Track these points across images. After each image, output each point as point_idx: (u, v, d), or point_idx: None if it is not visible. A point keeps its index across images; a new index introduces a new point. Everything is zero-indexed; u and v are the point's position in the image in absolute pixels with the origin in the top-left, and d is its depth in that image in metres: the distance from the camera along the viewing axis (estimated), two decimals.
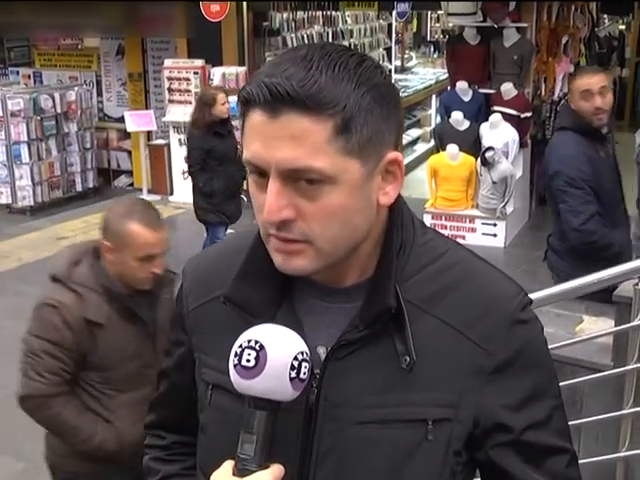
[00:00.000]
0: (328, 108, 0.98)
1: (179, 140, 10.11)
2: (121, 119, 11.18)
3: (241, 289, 1.15)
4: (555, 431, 1.15)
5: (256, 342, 1.03)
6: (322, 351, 1.12)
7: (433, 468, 1.11)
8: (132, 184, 11.73)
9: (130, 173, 11.92)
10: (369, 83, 1.02)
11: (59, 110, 10.82)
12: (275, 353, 1.02)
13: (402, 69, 16.22)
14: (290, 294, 1.16)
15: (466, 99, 8.65)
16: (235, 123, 7.27)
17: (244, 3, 10.19)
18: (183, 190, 10.15)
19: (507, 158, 7.95)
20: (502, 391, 1.11)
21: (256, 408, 1.04)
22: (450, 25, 11.68)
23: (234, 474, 1.03)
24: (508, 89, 8.33)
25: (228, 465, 1.05)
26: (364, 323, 1.09)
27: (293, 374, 1.02)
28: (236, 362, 1.03)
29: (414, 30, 18.84)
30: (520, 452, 1.13)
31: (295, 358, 1.03)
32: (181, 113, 9.92)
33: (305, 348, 1.05)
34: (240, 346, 1.04)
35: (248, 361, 1.02)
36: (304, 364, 1.03)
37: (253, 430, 1.03)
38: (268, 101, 0.98)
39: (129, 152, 11.86)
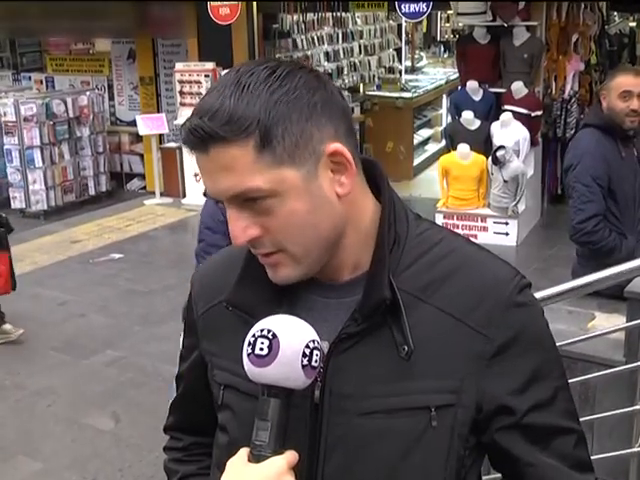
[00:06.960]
0: (242, 131, 1.03)
1: None
2: (133, 123, 11.25)
3: (242, 292, 1.20)
4: (560, 411, 1.16)
5: (269, 331, 1.06)
6: (324, 345, 1.14)
7: (439, 454, 1.13)
8: (144, 187, 11.78)
9: (142, 176, 11.97)
10: (281, 90, 1.04)
11: (71, 115, 10.89)
12: (287, 341, 1.05)
13: (412, 69, 16.22)
14: (290, 293, 1.19)
15: (477, 98, 8.66)
16: None
17: (254, 5, 10.23)
18: (195, 193, 10.19)
19: (518, 157, 7.94)
20: (503, 374, 1.13)
21: (269, 396, 1.07)
22: (460, 25, 11.65)
23: (249, 460, 1.06)
24: (518, 88, 8.33)
25: (243, 452, 1.07)
26: (363, 316, 1.12)
27: (305, 361, 1.05)
28: (249, 351, 1.06)
29: (424, 30, 18.83)
30: (525, 434, 1.14)
31: (307, 346, 1.06)
32: None
33: (316, 337, 1.08)
34: (253, 335, 1.07)
35: (261, 349, 1.05)
36: (315, 352, 1.06)
37: (267, 417, 1.06)
38: (195, 143, 1.07)
39: (141, 155, 11.92)
